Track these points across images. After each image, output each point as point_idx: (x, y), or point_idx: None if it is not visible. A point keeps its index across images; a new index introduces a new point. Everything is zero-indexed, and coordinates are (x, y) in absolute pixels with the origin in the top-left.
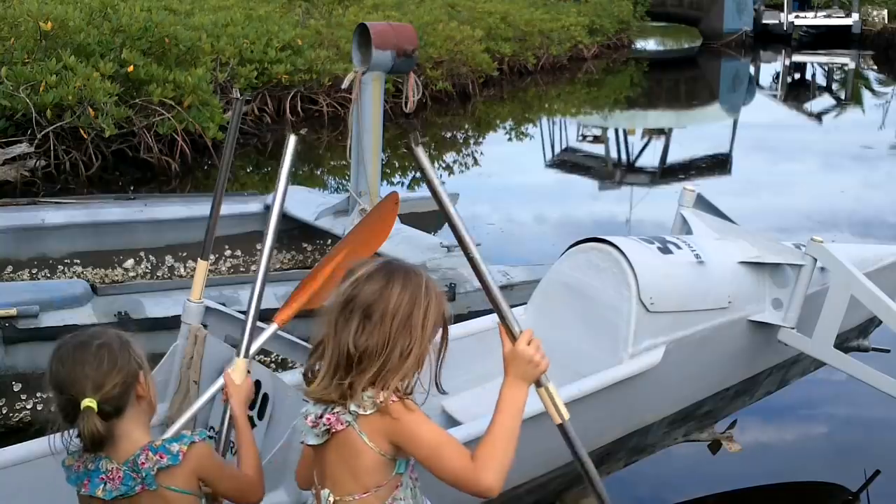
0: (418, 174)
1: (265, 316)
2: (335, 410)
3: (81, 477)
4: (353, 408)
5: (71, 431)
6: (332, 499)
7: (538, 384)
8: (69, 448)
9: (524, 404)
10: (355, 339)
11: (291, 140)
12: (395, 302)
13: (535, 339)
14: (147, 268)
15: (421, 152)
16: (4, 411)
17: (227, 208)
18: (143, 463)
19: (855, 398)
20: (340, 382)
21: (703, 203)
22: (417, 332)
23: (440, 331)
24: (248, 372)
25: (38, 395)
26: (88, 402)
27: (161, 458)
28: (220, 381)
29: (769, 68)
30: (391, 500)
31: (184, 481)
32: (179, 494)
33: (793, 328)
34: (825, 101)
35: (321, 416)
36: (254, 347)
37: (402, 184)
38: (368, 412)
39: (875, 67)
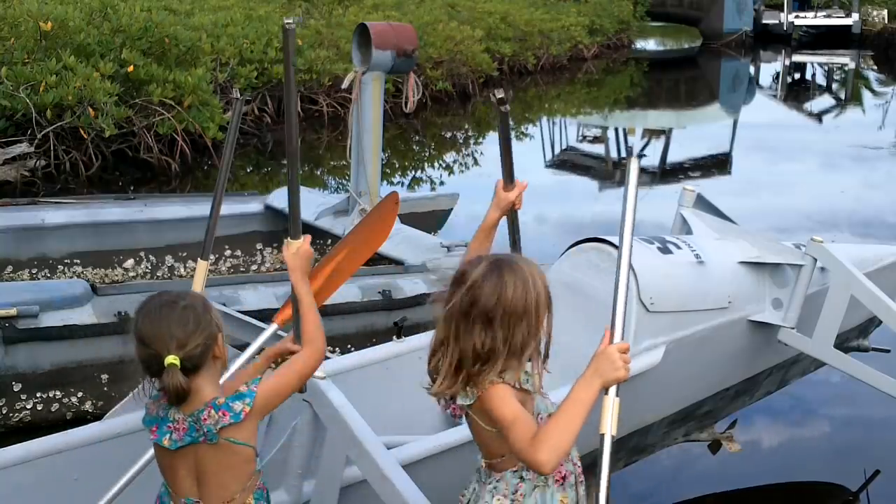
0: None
1: (265, 316)
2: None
3: (153, 421)
4: (460, 401)
5: (152, 381)
6: (482, 462)
7: (607, 391)
8: (150, 394)
9: (592, 401)
10: (481, 342)
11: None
12: (511, 300)
13: (628, 354)
14: (147, 268)
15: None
16: (4, 411)
17: (227, 208)
18: (204, 419)
19: (855, 398)
20: (466, 378)
21: (703, 203)
22: (532, 320)
23: (547, 313)
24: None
25: (39, 395)
26: (172, 360)
27: (224, 415)
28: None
29: (769, 68)
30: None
31: (246, 434)
32: (243, 449)
33: (793, 328)
34: (825, 101)
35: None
36: (254, 347)
37: (402, 184)
38: (470, 401)
39: (875, 67)
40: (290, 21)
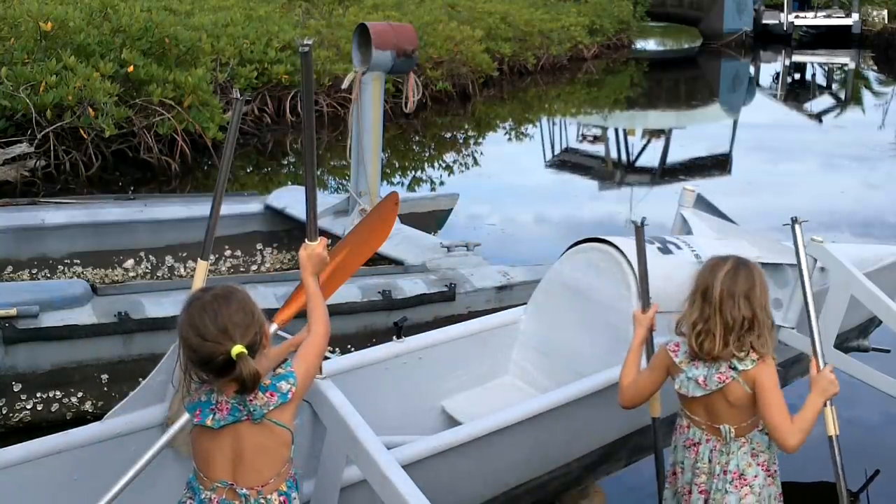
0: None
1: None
2: (721, 370)
3: (195, 406)
4: (737, 364)
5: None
6: (732, 431)
7: (826, 403)
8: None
9: (820, 409)
10: (744, 314)
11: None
12: (759, 285)
13: (833, 374)
14: (147, 268)
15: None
16: (4, 411)
17: (227, 208)
18: (251, 400)
19: (855, 398)
20: (736, 341)
21: (703, 203)
22: (767, 303)
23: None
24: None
25: (38, 395)
26: (240, 349)
27: (272, 397)
28: None
29: (769, 68)
30: (760, 427)
31: (287, 417)
32: (283, 431)
33: (793, 328)
34: (825, 101)
35: (707, 377)
36: None
37: (402, 184)
38: (749, 367)
39: (875, 67)
40: (307, 44)
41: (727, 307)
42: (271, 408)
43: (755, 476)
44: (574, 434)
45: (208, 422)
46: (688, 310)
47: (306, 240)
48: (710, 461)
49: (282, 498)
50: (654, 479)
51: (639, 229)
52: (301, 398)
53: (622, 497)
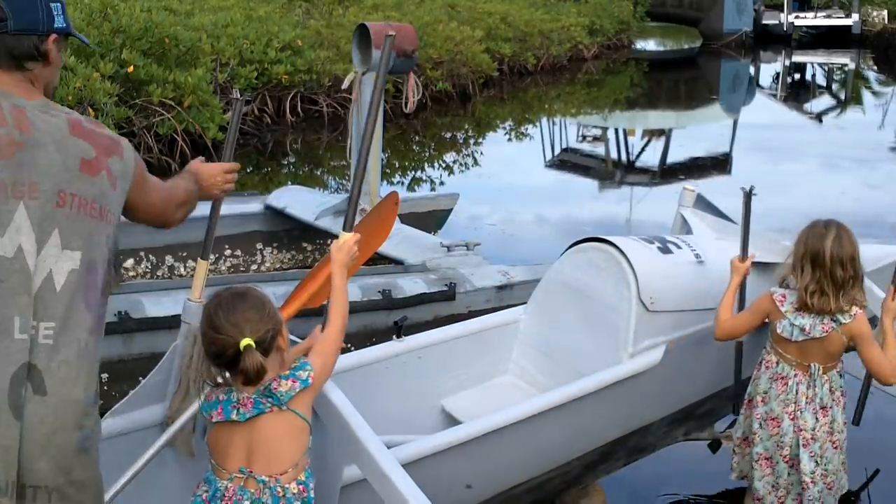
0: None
1: None
2: (824, 321)
3: (214, 406)
4: (840, 318)
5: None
6: (820, 369)
7: None
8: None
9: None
10: (850, 274)
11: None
12: (857, 246)
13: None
14: (147, 268)
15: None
16: None
17: (227, 208)
18: (275, 388)
19: (855, 398)
20: (846, 297)
21: (703, 203)
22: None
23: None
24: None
25: None
26: (248, 341)
27: (294, 383)
28: None
29: (769, 68)
30: (839, 369)
31: (305, 407)
32: (301, 421)
33: None
34: (825, 101)
35: (811, 326)
36: None
37: (402, 184)
38: (848, 321)
39: (875, 67)
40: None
41: (837, 270)
42: (295, 392)
43: (831, 407)
44: (574, 433)
45: (233, 416)
46: (797, 273)
47: (342, 230)
48: (796, 392)
49: (300, 487)
50: (653, 479)
51: (747, 195)
52: (319, 389)
53: (622, 496)
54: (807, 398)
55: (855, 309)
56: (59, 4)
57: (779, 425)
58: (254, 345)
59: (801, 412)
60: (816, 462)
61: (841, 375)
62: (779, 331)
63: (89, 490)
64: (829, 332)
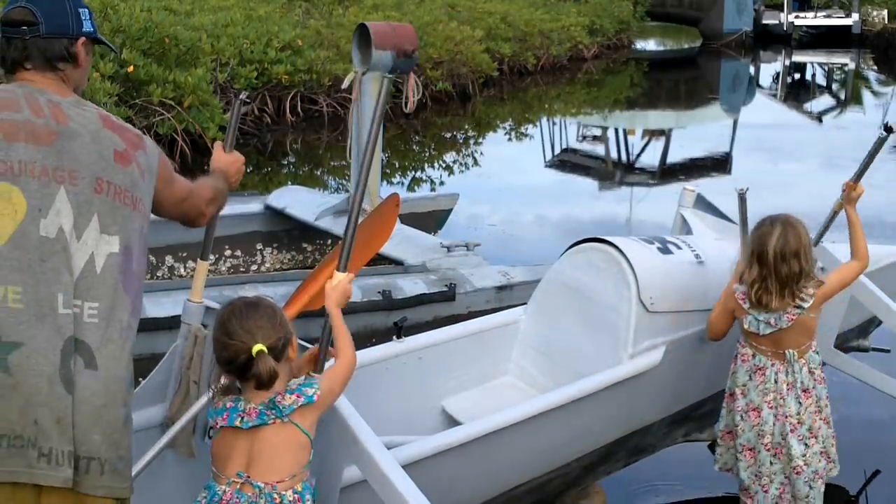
0: None
1: None
2: (788, 311)
3: (220, 412)
4: (802, 304)
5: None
6: (796, 354)
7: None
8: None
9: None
10: (799, 268)
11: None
12: (804, 240)
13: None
14: (147, 268)
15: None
16: None
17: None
18: (279, 401)
19: (855, 398)
20: (790, 293)
21: (703, 203)
22: (811, 251)
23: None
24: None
25: None
26: (260, 347)
27: (298, 398)
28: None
29: (769, 68)
30: (814, 348)
31: (309, 423)
32: (303, 435)
33: None
34: (825, 101)
35: (777, 319)
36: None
37: (402, 184)
38: (810, 302)
39: (875, 67)
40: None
41: (782, 267)
42: (298, 405)
43: (814, 388)
44: (574, 434)
45: (236, 423)
46: (747, 269)
47: (336, 271)
48: (775, 381)
49: (295, 496)
50: (653, 480)
51: (741, 196)
52: (324, 409)
53: (622, 497)
54: (787, 385)
55: (811, 290)
56: (86, 10)
57: (759, 415)
58: (266, 350)
59: (783, 400)
60: (806, 444)
61: (816, 352)
62: (746, 326)
63: (129, 467)
64: (794, 318)
